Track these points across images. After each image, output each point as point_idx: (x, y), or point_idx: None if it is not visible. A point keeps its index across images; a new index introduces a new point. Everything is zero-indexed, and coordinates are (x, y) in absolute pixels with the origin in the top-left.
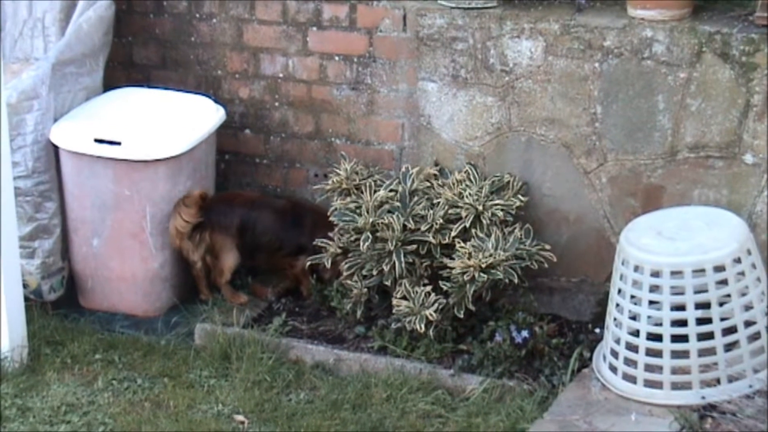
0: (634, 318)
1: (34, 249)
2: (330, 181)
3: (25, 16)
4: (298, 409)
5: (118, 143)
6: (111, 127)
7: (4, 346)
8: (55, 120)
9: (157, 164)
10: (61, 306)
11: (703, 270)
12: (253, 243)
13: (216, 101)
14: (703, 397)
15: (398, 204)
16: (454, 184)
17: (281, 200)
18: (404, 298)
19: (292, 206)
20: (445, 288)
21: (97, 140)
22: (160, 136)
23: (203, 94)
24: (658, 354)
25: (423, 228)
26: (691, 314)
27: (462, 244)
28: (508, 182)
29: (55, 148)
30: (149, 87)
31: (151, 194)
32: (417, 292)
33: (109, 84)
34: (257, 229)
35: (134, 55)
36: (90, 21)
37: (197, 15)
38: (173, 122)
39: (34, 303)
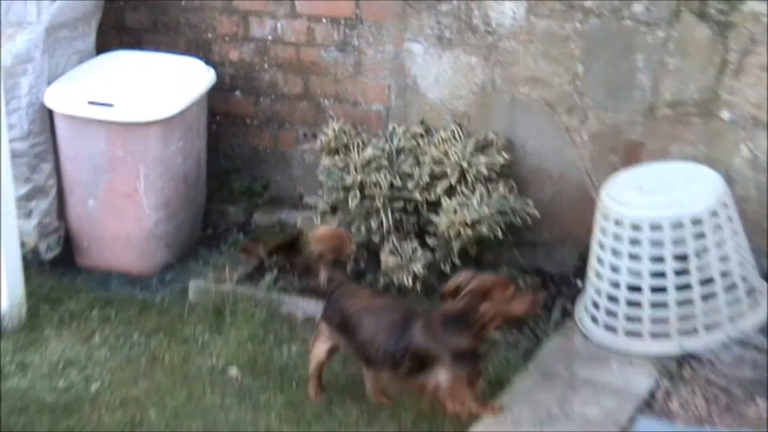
0: (614, 270)
1: (31, 210)
2: (318, 141)
3: None
4: (290, 362)
5: (111, 105)
6: (104, 89)
7: (3, 304)
8: (49, 83)
9: (150, 126)
10: (58, 265)
11: (681, 223)
12: (353, 344)
13: (207, 63)
14: (682, 347)
15: (385, 162)
16: (439, 142)
17: (392, 304)
18: (392, 253)
19: (402, 309)
20: (431, 244)
21: (90, 102)
22: (152, 98)
23: (194, 57)
24: (637, 305)
25: (410, 185)
26: (669, 266)
27: (447, 201)
28: (492, 140)
29: (50, 111)
30: (141, 50)
31: (144, 155)
32: (404, 248)
33: (102, 47)
34: (358, 334)
35: (126, 19)
36: None
37: None
38: (165, 84)
39: (31, 262)
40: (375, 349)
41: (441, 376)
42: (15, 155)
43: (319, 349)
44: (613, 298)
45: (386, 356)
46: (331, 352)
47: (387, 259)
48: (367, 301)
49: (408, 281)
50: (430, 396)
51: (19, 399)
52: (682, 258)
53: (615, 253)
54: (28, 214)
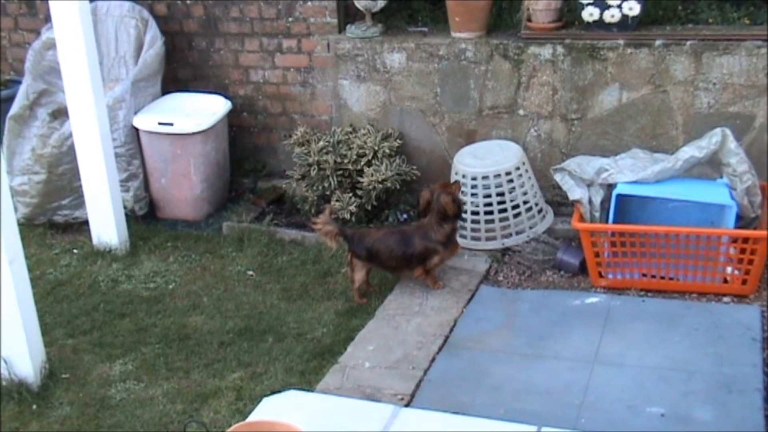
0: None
1: (129, 186)
2: (292, 139)
3: (114, 54)
4: (283, 266)
5: (172, 124)
6: (167, 115)
7: (115, 242)
8: (135, 113)
9: (195, 135)
10: (146, 218)
11: (499, 175)
12: (380, 263)
13: (226, 97)
14: (503, 244)
15: (331, 149)
16: (361, 136)
17: (393, 231)
18: (337, 201)
19: (400, 232)
20: (359, 194)
21: (159, 123)
22: (195, 119)
23: (218, 94)
24: (477, 222)
25: (345, 161)
26: (494, 199)
27: (368, 169)
28: (391, 133)
29: (137, 129)
30: (187, 92)
31: (192, 152)
32: (344, 197)
33: (165, 90)
34: (381, 256)
35: (178, 74)
36: (151, 55)
37: (211, 49)
38: (202, 110)
39: (130, 217)
40: (393, 259)
41: (434, 261)
42: (117, 156)
43: (360, 274)
44: (464, 219)
45: (401, 261)
46: (368, 273)
47: (334, 204)
48: (375, 234)
49: (348, 215)
50: (425, 276)
51: (128, 295)
52: (500, 194)
53: (462, 193)
54: (127, 190)
